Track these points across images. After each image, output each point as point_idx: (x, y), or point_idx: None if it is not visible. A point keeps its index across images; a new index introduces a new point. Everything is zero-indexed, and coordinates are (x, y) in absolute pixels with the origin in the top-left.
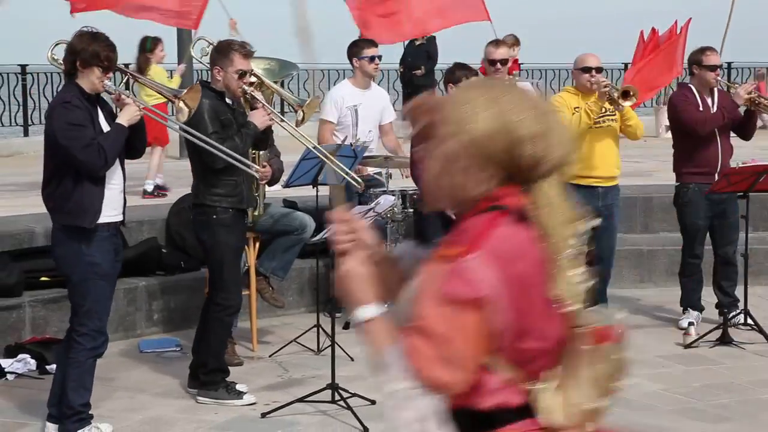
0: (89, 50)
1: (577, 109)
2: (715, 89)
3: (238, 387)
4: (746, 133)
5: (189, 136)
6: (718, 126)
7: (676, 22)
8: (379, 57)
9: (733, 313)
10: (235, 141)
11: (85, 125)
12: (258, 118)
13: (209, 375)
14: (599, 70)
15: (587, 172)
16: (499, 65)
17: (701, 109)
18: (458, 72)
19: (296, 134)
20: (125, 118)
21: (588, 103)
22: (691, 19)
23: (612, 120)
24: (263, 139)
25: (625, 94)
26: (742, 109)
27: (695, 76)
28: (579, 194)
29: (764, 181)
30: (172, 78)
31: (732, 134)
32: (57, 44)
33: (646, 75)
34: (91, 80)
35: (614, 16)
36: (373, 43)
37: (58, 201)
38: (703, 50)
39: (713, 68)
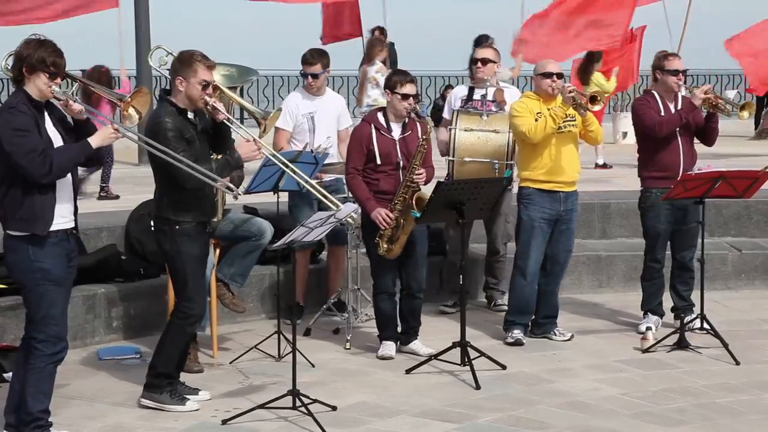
0: (35, 56)
1: (539, 114)
2: (679, 95)
3: (201, 394)
4: (708, 139)
5: (161, 154)
6: (677, 127)
7: (632, 29)
8: (313, 75)
9: (690, 317)
10: (210, 166)
11: (29, 130)
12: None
13: (156, 378)
14: (560, 75)
15: (551, 177)
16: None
17: (662, 113)
18: (394, 77)
19: (259, 143)
20: (98, 140)
21: (553, 108)
22: (645, 26)
23: (573, 125)
24: (221, 144)
25: (593, 99)
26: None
27: (658, 82)
28: (542, 198)
29: (720, 187)
30: (609, 80)
31: (696, 140)
32: (11, 55)
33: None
34: (37, 86)
35: None
36: (308, 63)
37: (8, 209)
38: (665, 56)
39: (675, 73)
